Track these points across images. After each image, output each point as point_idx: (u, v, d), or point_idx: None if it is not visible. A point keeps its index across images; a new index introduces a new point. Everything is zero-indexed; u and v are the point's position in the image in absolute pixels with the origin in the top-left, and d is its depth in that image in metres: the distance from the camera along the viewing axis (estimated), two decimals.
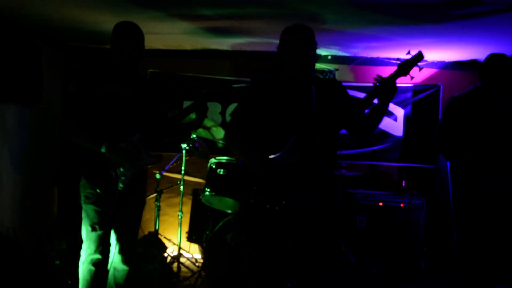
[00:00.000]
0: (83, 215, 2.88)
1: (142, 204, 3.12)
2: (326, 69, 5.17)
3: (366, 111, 2.59)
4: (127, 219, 3.02)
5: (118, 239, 3.03)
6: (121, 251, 3.03)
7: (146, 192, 3.15)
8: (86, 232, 2.86)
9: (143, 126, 2.96)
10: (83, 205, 2.88)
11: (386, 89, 2.42)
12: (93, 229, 2.84)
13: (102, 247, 2.86)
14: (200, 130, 4.27)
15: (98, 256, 2.84)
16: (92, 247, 2.84)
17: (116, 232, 3.01)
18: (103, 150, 2.77)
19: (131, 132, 2.89)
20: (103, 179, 2.83)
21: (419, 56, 2.42)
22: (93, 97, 2.85)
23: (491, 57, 3.23)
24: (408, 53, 2.45)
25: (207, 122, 4.20)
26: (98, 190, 2.82)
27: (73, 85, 2.91)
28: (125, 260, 3.05)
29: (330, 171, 2.66)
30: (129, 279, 3.13)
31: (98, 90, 2.87)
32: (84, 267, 2.86)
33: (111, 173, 2.84)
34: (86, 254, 2.86)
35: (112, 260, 3.02)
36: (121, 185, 2.87)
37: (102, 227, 2.86)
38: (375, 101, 2.53)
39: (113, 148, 2.78)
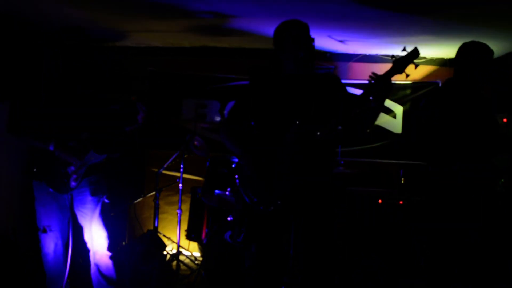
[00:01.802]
0: (37, 215, 2.98)
1: (105, 202, 3.16)
2: (324, 66, 5.16)
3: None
4: (95, 218, 3.06)
5: (94, 239, 3.07)
6: (99, 249, 3.08)
7: (106, 190, 3.17)
8: (40, 233, 2.98)
9: (93, 125, 3.01)
10: (36, 207, 2.98)
11: (380, 87, 2.37)
12: (44, 231, 2.95)
13: (56, 246, 2.99)
14: None
15: (54, 253, 2.98)
16: (47, 245, 2.98)
17: (89, 232, 3.07)
18: (51, 148, 2.86)
19: (81, 131, 2.96)
20: (54, 178, 2.90)
21: (415, 53, 2.36)
22: (54, 96, 2.94)
23: (464, 44, 3.03)
24: (404, 49, 2.40)
25: None
26: (50, 190, 2.90)
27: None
28: (105, 256, 3.09)
29: (327, 168, 2.65)
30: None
31: (64, 91, 2.96)
32: (47, 260, 3.00)
33: (62, 172, 2.89)
34: (45, 252, 2.99)
35: (94, 257, 3.10)
36: (73, 183, 2.95)
37: (53, 228, 2.97)
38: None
39: (60, 145, 2.87)
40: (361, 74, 5.25)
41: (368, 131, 2.65)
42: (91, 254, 3.10)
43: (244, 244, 2.79)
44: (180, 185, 4.26)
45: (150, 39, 5.03)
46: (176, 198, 4.63)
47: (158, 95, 5.33)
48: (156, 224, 4.25)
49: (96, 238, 3.07)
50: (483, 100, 3.07)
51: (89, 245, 3.10)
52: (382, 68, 5.14)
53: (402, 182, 4.75)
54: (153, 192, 4.31)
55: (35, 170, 2.94)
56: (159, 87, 5.34)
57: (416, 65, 2.40)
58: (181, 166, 4.23)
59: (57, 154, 2.89)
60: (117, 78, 5.11)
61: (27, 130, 2.90)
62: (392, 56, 2.43)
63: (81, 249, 3.20)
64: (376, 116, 2.53)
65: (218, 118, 5.21)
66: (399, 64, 2.36)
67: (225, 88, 5.30)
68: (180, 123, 4.86)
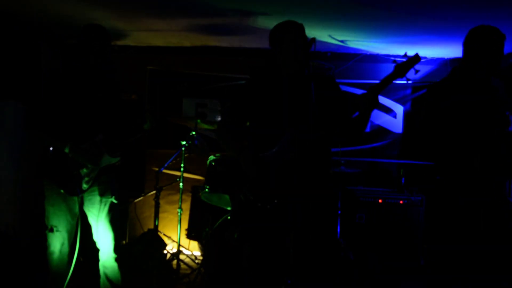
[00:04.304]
0: (46, 214, 2.95)
1: (113, 203, 3.12)
2: (325, 66, 5.17)
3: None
4: (102, 218, 3.05)
5: (101, 239, 3.06)
6: (105, 250, 3.07)
7: (115, 190, 3.14)
8: (47, 232, 2.95)
9: (108, 127, 3.00)
10: (45, 206, 2.96)
11: (368, 100, 2.40)
12: (51, 231, 2.92)
13: (63, 246, 2.95)
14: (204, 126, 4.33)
15: (59, 253, 2.95)
16: (54, 245, 2.94)
17: (97, 232, 3.06)
18: (66, 150, 2.83)
19: (95, 133, 2.94)
20: (66, 179, 2.88)
21: (416, 59, 2.39)
22: (67, 97, 2.91)
23: (473, 28, 2.81)
24: (405, 55, 2.44)
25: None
26: (61, 191, 2.88)
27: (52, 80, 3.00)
28: (111, 258, 3.07)
29: (325, 167, 2.66)
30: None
31: (74, 91, 2.92)
32: (52, 259, 2.96)
33: (74, 173, 2.88)
34: (51, 251, 2.96)
35: (100, 258, 3.08)
36: (85, 185, 2.93)
37: (61, 228, 2.94)
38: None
39: (76, 149, 2.85)
40: (362, 74, 5.25)
41: (360, 135, 2.67)
42: (100, 254, 3.10)
43: (240, 243, 2.79)
44: (181, 184, 4.26)
45: (151, 38, 5.04)
46: (176, 197, 4.63)
47: (158, 94, 5.34)
48: (156, 223, 4.25)
49: (102, 239, 3.06)
50: (491, 95, 2.86)
51: (98, 245, 3.09)
52: (383, 68, 5.20)
53: (402, 182, 4.76)
54: (154, 191, 4.32)
55: (47, 169, 2.92)
56: (159, 86, 5.35)
57: (417, 71, 2.42)
58: (182, 165, 4.23)
59: (72, 156, 2.87)
60: (117, 77, 5.12)
61: (44, 129, 2.87)
62: (394, 61, 2.45)
63: (87, 248, 3.20)
64: (364, 123, 2.56)
65: (218, 118, 5.21)
66: (401, 69, 2.40)
67: (226, 88, 5.31)
68: (180, 122, 4.86)
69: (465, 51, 2.85)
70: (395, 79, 2.43)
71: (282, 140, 2.50)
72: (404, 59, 2.43)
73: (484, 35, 2.77)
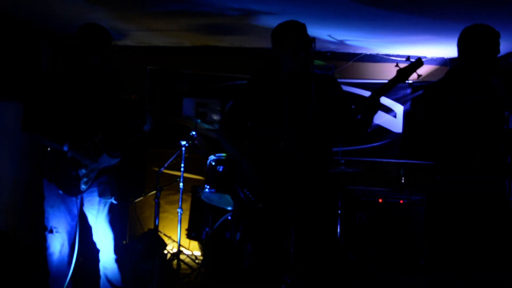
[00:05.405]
0: (45, 215, 2.96)
1: (113, 203, 3.13)
2: (325, 66, 5.16)
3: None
4: (102, 219, 3.06)
5: (101, 240, 3.07)
6: (105, 251, 3.08)
7: (115, 190, 3.15)
8: (47, 233, 2.95)
9: (107, 127, 3.00)
10: (45, 207, 2.96)
11: (370, 105, 2.41)
12: (51, 232, 2.93)
13: (62, 247, 2.96)
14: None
15: (59, 254, 2.95)
16: (54, 246, 2.95)
17: (97, 233, 3.06)
18: (65, 148, 2.82)
19: (95, 132, 2.94)
20: (65, 180, 2.88)
21: (418, 63, 2.40)
22: (66, 97, 2.90)
23: (467, 27, 2.78)
24: (408, 59, 2.44)
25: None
26: (60, 191, 2.88)
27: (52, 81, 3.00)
28: (111, 258, 3.08)
29: (325, 167, 2.66)
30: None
31: (74, 91, 2.92)
32: (52, 260, 2.96)
33: (73, 174, 2.88)
34: (50, 251, 2.96)
35: (100, 259, 3.09)
36: (83, 186, 2.92)
37: (60, 229, 2.94)
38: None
39: (75, 146, 2.84)
40: (362, 73, 5.26)
41: (361, 136, 2.67)
42: (100, 254, 3.11)
43: (241, 243, 2.79)
44: (181, 184, 4.26)
45: (151, 38, 5.04)
46: (176, 197, 4.63)
47: (158, 93, 5.34)
48: (156, 223, 4.25)
49: (102, 239, 3.06)
50: (491, 94, 2.84)
51: (98, 246, 3.10)
52: (383, 68, 5.19)
53: (402, 181, 4.76)
54: (154, 191, 4.32)
55: (46, 170, 2.92)
56: (159, 85, 5.35)
57: (419, 75, 2.43)
58: (182, 165, 4.23)
59: (70, 155, 2.87)
60: (117, 77, 5.12)
61: (42, 129, 2.87)
62: (397, 65, 2.45)
63: (87, 249, 3.20)
64: (366, 125, 2.57)
65: (218, 117, 5.21)
66: (403, 73, 2.41)
67: (226, 87, 5.31)
68: (180, 122, 4.86)
69: (460, 50, 2.84)
70: (397, 83, 2.44)
71: (281, 140, 2.50)
72: (406, 63, 2.43)
73: (479, 34, 2.74)
